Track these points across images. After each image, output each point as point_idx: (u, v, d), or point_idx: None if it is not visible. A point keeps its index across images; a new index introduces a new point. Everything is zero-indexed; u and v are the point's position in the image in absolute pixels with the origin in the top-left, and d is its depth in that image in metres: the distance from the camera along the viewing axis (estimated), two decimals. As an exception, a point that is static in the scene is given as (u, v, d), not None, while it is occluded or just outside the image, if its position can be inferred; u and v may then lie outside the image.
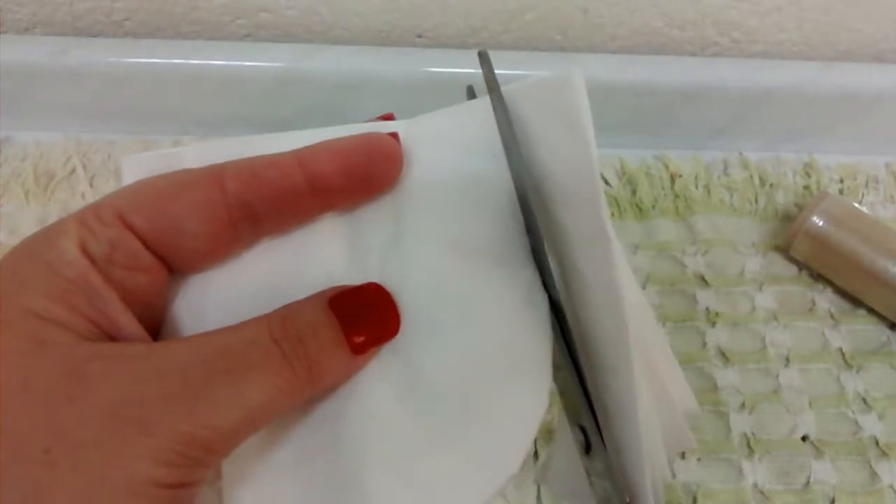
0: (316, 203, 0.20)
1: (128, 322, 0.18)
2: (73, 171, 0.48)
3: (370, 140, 0.20)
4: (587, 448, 0.20)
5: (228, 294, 0.20)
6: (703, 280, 0.46)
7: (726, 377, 0.42)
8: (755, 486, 0.39)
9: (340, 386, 0.20)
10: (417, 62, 0.49)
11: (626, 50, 0.52)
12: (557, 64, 0.50)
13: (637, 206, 0.49)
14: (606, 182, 0.50)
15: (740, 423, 0.41)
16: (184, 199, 0.18)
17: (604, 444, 0.20)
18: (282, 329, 0.18)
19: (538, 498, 0.38)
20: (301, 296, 0.19)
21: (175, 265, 0.19)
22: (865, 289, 0.45)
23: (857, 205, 0.47)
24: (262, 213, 0.19)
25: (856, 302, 0.46)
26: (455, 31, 0.51)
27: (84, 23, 0.50)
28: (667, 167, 0.51)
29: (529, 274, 0.21)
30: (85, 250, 0.17)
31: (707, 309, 0.45)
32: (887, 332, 0.45)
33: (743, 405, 0.42)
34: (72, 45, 0.48)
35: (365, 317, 0.19)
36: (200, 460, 0.16)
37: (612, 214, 0.49)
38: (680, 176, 0.50)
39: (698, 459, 0.40)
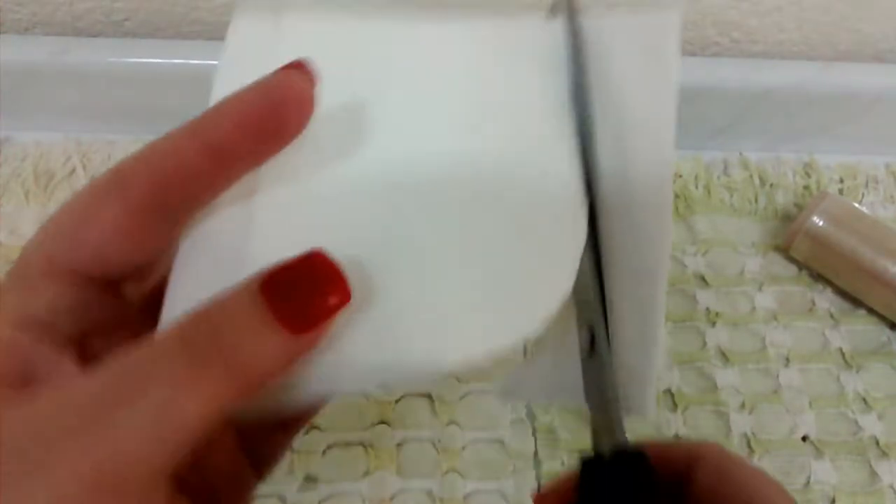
0: (226, 174, 0.19)
1: (50, 364, 0.17)
2: (73, 171, 0.48)
3: (270, 86, 0.18)
4: (591, 348, 0.21)
5: (207, 271, 0.19)
6: (703, 280, 0.46)
7: (726, 377, 0.42)
8: (755, 486, 0.39)
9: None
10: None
11: (626, 50, 0.52)
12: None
13: (637, 206, 0.49)
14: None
15: (740, 423, 0.41)
16: (96, 225, 0.18)
17: (609, 345, 0.21)
18: (194, 327, 0.16)
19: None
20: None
21: (123, 276, 0.19)
22: (865, 289, 0.45)
23: (856, 205, 0.47)
24: (176, 201, 0.18)
25: (856, 302, 0.46)
26: (455, 31, 0.51)
27: (84, 23, 0.50)
28: (667, 167, 0.51)
29: (571, 164, 0.21)
30: (22, 322, 0.17)
31: (707, 309, 0.45)
32: (887, 331, 0.45)
33: (743, 405, 0.42)
34: (72, 45, 0.48)
35: (300, 290, 0.17)
36: (119, 491, 0.15)
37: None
38: (680, 176, 0.50)
39: (698, 459, 0.40)
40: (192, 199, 0.19)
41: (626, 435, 0.21)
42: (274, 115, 0.18)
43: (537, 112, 0.21)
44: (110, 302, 0.19)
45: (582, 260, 0.21)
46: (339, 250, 0.17)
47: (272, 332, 0.16)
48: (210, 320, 0.16)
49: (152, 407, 0.15)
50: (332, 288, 0.17)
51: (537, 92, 0.22)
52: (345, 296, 0.17)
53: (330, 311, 0.17)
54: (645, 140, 0.21)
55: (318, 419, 0.39)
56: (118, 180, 0.18)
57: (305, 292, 0.17)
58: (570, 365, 0.23)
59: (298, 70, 0.19)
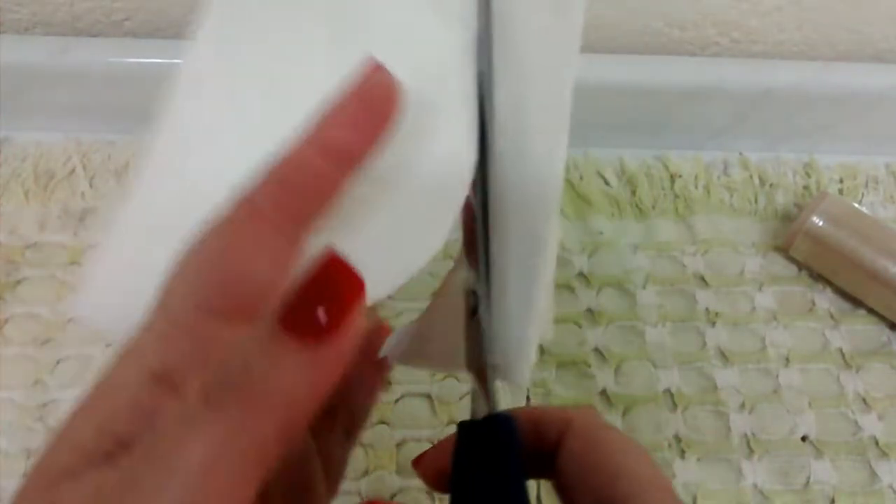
0: (349, 175, 0.18)
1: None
2: (73, 170, 0.48)
3: (368, 88, 0.19)
4: (473, 312, 0.21)
5: None
6: (702, 280, 0.46)
7: (726, 377, 0.42)
8: (755, 486, 0.39)
9: None
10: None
11: (627, 50, 0.52)
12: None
13: (637, 206, 0.49)
14: (606, 182, 0.50)
15: (740, 423, 0.41)
16: (238, 249, 0.17)
17: (489, 310, 0.21)
18: (214, 379, 0.15)
19: (538, 499, 0.38)
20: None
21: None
22: (865, 289, 0.45)
23: (856, 205, 0.47)
24: (311, 214, 0.18)
25: (856, 302, 0.46)
26: (455, 32, 0.51)
27: (84, 23, 0.50)
28: (667, 167, 0.51)
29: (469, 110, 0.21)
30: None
31: (707, 309, 0.45)
32: (887, 332, 0.45)
33: (743, 405, 0.42)
34: (72, 45, 0.48)
35: (322, 301, 0.16)
36: None
37: (612, 214, 0.49)
38: (680, 176, 0.50)
39: (698, 459, 0.40)
40: (325, 204, 0.18)
41: (500, 401, 0.21)
42: (379, 113, 0.19)
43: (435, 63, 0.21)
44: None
45: (474, 224, 0.21)
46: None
47: (287, 353, 0.16)
48: (217, 378, 0.16)
49: (192, 464, 0.14)
50: (353, 280, 0.17)
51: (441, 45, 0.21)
52: (361, 287, 0.17)
53: (353, 306, 0.16)
54: (542, 97, 0.21)
55: (318, 419, 0.40)
56: (252, 203, 0.17)
57: (333, 297, 0.16)
58: (459, 335, 0.23)
59: (381, 69, 0.19)
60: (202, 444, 0.14)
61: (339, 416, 0.21)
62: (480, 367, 0.21)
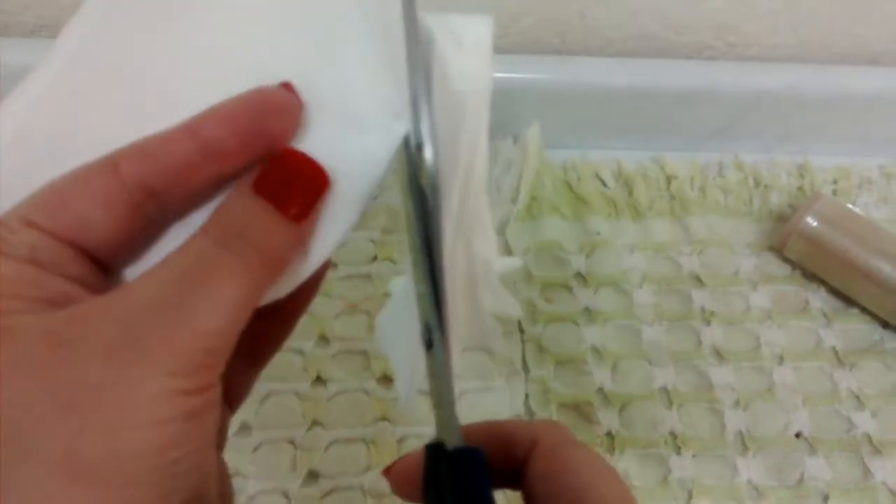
0: (214, 170, 0.20)
1: (80, 291, 0.18)
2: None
3: (258, 96, 0.20)
4: (429, 345, 0.21)
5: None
6: (698, 280, 0.47)
7: (721, 375, 0.43)
8: (749, 482, 0.40)
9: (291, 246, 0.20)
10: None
11: (624, 53, 0.53)
12: (555, 67, 0.50)
13: (633, 207, 0.50)
14: (603, 183, 0.51)
15: (735, 420, 0.42)
16: (83, 193, 0.19)
17: (443, 340, 0.21)
18: (220, 232, 0.19)
19: None
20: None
21: (97, 258, 0.20)
22: (858, 288, 0.46)
23: (850, 206, 0.48)
24: (164, 190, 0.19)
25: (849, 301, 0.47)
26: (454, 35, 0.51)
27: (88, 26, 0.50)
28: (663, 169, 0.52)
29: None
30: (8, 256, 0.18)
31: (702, 308, 0.46)
32: (880, 330, 0.46)
33: (737, 403, 0.42)
34: (77, 48, 0.48)
35: (291, 184, 0.20)
36: (207, 364, 0.18)
37: (609, 215, 0.49)
38: (676, 177, 0.51)
39: (693, 456, 0.40)
40: (184, 189, 0.20)
41: (459, 430, 0.22)
42: (264, 120, 0.20)
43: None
44: (82, 269, 0.19)
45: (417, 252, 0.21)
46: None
47: (284, 226, 0.19)
48: (231, 225, 0.19)
49: (222, 293, 0.18)
50: (318, 173, 0.20)
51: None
52: (325, 180, 0.20)
53: (317, 197, 0.20)
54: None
55: (321, 416, 0.40)
56: (110, 159, 0.19)
57: (298, 183, 0.20)
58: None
59: (287, 88, 0.21)
60: (227, 279, 0.18)
61: (249, 341, 0.21)
62: (439, 397, 0.22)
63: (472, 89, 0.21)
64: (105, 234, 0.19)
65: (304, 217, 0.20)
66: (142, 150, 0.19)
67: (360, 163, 0.21)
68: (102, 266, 0.20)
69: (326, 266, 0.23)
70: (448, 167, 0.21)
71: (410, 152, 0.20)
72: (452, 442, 0.22)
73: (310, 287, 0.24)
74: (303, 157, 0.20)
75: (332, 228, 0.21)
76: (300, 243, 0.20)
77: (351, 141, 0.21)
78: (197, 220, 0.21)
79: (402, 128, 0.21)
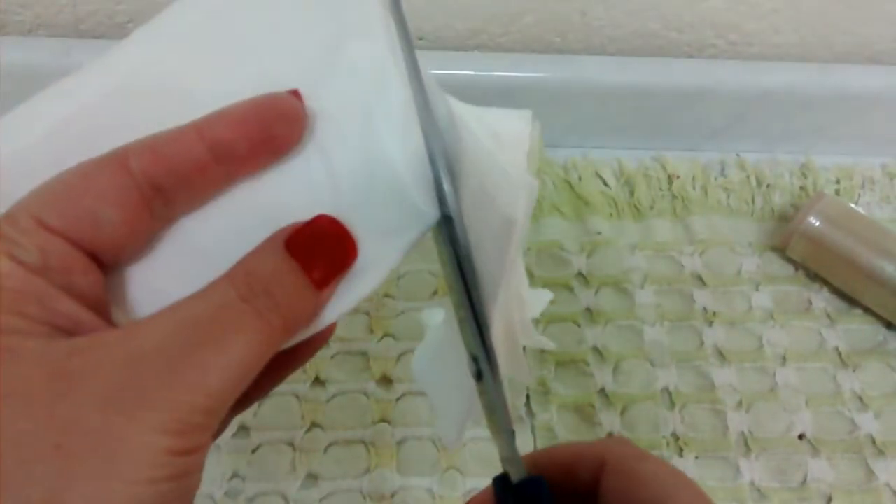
0: (222, 172, 0.20)
1: (87, 317, 0.18)
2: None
3: (268, 101, 0.20)
4: (478, 377, 0.21)
5: (177, 267, 0.20)
6: (700, 280, 0.47)
7: (723, 376, 0.43)
8: (752, 483, 0.39)
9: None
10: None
11: (625, 52, 0.53)
12: (556, 66, 0.50)
13: (635, 206, 0.50)
14: (605, 183, 0.51)
15: (737, 421, 0.41)
16: (93, 190, 0.18)
17: (492, 370, 0.21)
18: (247, 286, 0.18)
19: None
20: (251, 239, 0.20)
21: (104, 258, 0.19)
22: (861, 288, 0.45)
23: (853, 205, 0.48)
24: (172, 188, 0.19)
25: (852, 301, 0.46)
26: (455, 34, 0.51)
27: (87, 25, 0.50)
28: (664, 168, 0.51)
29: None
30: (17, 261, 0.17)
31: (704, 308, 0.45)
32: (883, 331, 0.45)
33: (740, 404, 0.42)
34: (74, 47, 0.48)
35: (321, 250, 0.20)
36: (203, 425, 0.17)
37: (611, 215, 0.49)
38: (678, 177, 0.51)
39: (696, 457, 0.40)
40: (188, 187, 0.20)
41: (520, 461, 0.22)
42: (271, 125, 0.20)
43: None
44: (79, 279, 0.18)
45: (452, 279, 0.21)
46: None
47: (309, 292, 0.19)
48: (259, 280, 0.19)
49: (235, 351, 0.17)
50: (348, 243, 0.20)
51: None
52: (353, 251, 0.20)
53: (344, 267, 0.20)
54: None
55: (320, 418, 0.40)
56: (120, 153, 0.19)
57: (328, 250, 0.20)
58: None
59: (295, 94, 0.21)
60: (245, 338, 0.18)
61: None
62: (500, 428, 0.22)
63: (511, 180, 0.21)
64: (116, 232, 0.19)
65: (326, 285, 0.20)
66: (151, 147, 0.19)
67: (386, 240, 0.21)
68: (106, 265, 0.19)
69: (332, 326, 0.22)
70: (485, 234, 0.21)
71: (452, 226, 0.20)
72: (514, 473, 0.22)
73: (311, 346, 0.23)
74: (339, 225, 0.20)
75: (346, 297, 0.20)
76: (318, 311, 0.20)
77: (381, 218, 0.21)
78: (200, 220, 0.20)
79: (433, 212, 0.21)
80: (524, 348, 0.27)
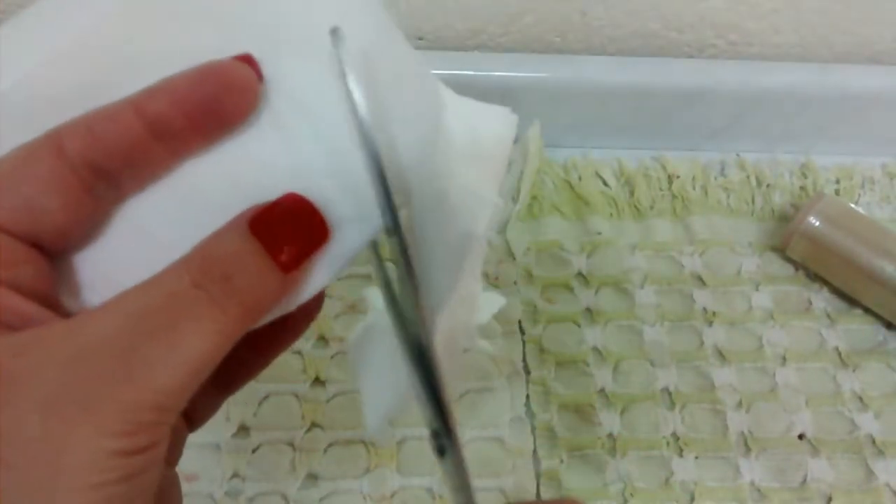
0: (165, 149, 0.18)
1: (32, 309, 0.17)
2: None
3: (213, 70, 0.18)
4: (441, 453, 0.20)
5: (134, 252, 0.19)
6: (700, 280, 0.47)
7: (723, 376, 0.43)
8: (752, 483, 0.39)
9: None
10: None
11: (625, 52, 0.53)
12: (556, 66, 0.50)
13: (635, 206, 0.50)
14: (605, 183, 0.51)
15: (737, 421, 0.41)
16: (29, 177, 0.17)
17: (455, 445, 0.20)
18: (201, 271, 0.17)
19: (538, 496, 0.38)
20: (211, 224, 0.18)
21: (50, 247, 0.18)
22: (861, 288, 0.45)
23: (853, 205, 0.47)
24: (113, 170, 0.18)
25: (852, 301, 0.46)
26: (455, 34, 0.51)
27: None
28: (664, 168, 0.51)
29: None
30: None
31: (704, 308, 0.45)
32: (883, 331, 0.45)
33: (740, 404, 0.42)
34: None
35: (290, 231, 0.18)
36: (155, 421, 0.16)
37: (611, 215, 0.49)
38: (678, 177, 0.51)
39: (696, 457, 0.40)
40: (134, 168, 0.18)
41: None
42: (215, 98, 0.18)
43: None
44: (22, 270, 0.17)
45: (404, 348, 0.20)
46: None
47: (274, 275, 0.18)
48: (217, 264, 0.17)
49: (187, 343, 0.16)
50: (318, 222, 0.19)
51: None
52: (325, 231, 0.19)
53: (313, 248, 0.19)
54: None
55: (320, 418, 0.40)
56: (55, 137, 0.18)
57: (297, 231, 0.18)
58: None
59: (246, 62, 0.19)
60: (198, 328, 0.16)
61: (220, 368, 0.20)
62: (458, 499, 0.20)
63: (474, 203, 0.21)
64: (57, 220, 0.18)
65: (294, 268, 0.18)
66: (86, 127, 0.18)
67: (358, 218, 0.20)
68: (51, 253, 0.18)
69: (318, 302, 0.21)
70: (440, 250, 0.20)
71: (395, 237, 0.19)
72: None
73: (300, 320, 0.22)
74: (307, 204, 0.19)
75: (315, 278, 0.19)
76: (284, 295, 0.19)
77: (343, 204, 0.20)
78: (149, 200, 0.19)
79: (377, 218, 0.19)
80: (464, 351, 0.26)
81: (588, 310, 0.45)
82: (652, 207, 0.50)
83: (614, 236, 0.48)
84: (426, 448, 0.39)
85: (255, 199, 0.19)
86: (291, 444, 0.39)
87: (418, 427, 0.40)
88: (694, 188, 0.51)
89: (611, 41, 0.52)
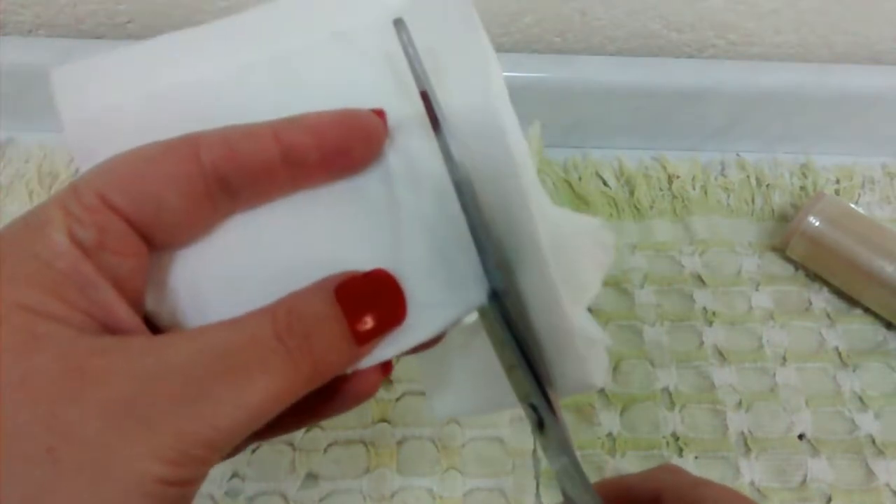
0: (291, 177, 0.20)
1: (124, 312, 0.18)
2: (77, 172, 0.48)
3: (351, 116, 0.20)
4: (540, 425, 0.21)
5: (225, 271, 0.20)
6: (700, 280, 0.47)
7: (723, 376, 0.43)
8: (752, 483, 0.39)
9: None
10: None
11: (625, 52, 0.53)
12: (556, 66, 0.50)
13: (635, 206, 0.50)
14: (605, 183, 0.51)
15: (737, 421, 0.41)
16: (160, 174, 0.18)
17: (553, 415, 0.21)
18: (286, 324, 0.18)
19: (537, 496, 0.38)
20: (301, 272, 0.19)
21: (156, 242, 0.19)
22: (861, 288, 0.45)
23: (853, 205, 0.47)
24: (238, 185, 0.19)
25: (852, 301, 0.46)
26: (455, 34, 0.51)
27: (87, 25, 0.50)
28: (665, 168, 0.51)
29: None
30: (74, 239, 0.17)
31: (704, 308, 0.45)
32: (883, 331, 0.45)
33: (740, 404, 0.42)
34: (75, 47, 0.48)
35: (371, 306, 0.19)
36: (203, 458, 0.16)
37: (610, 214, 0.49)
38: (678, 177, 0.51)
39: (696, 457, 0.40)
40: (254, 185, 0.19)
41: (592, 491, 0.21)
42: (349, 140, 0.20)
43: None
44: (128, 262, 0.18)
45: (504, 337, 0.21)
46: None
47: (348, 345, 0.19)
48: (301, 322, 0.18)
49: (255, 390, 0.17)
50: (399, 304, 0.20)
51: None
52: (402, 313, 0.20)
53: (389, 327, 0.19)
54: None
55: (319, 417, 0.40)
56: (192, 141, 0.18)
57: (378, 307, 0.19)
58: (489, 377, 0.23)
59: (376, 113, 0.21)
60: (269, 378, 0.17)
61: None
62: (563, 468, 0.21)
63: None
64: (175, 219, 0.18)
65: (367, 342, 0.19)
66: (225, 140, 0.19)
67: (433, 309, 0.21)
68: (156, 247, 0.19)
69: (373, 386, 0.22)
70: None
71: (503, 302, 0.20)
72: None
73: (345, 401, 0.23)
74: (394, 283, 0.20)
75: (377, 352, 0.20)
76: (351, 364, 0.19)
77: (433, 282, 0.21)
78: (259, 219, 0.20)
79: (477, 298, 0.21)
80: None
81: (588, 309, 0.45)
82: (652, 207, 0.50)
83: (614, 236, 0.48)
84: (426, 448, 0.39)
85: (351, 253, 0.20)
86: (291, 445, 0.39)
87: (418, 427, 0.40)
88: (694, 188, 0.51)
89: (611, 41, 0.52)
